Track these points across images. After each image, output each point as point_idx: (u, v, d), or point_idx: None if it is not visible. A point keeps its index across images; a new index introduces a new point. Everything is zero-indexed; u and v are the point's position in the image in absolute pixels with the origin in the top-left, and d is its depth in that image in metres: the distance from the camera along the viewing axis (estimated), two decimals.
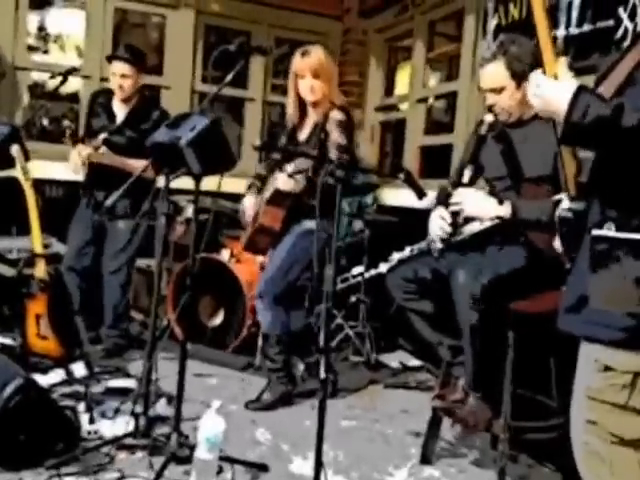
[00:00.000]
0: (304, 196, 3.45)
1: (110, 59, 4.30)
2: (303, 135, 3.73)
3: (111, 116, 4.34)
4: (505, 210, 2.79)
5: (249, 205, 3.80)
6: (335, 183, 2.49)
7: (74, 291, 4.23)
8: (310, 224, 3.40)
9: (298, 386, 3.84)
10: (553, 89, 1.60)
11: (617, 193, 1.58)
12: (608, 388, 1.59)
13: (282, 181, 3.50)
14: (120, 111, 4.34)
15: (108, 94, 4.37)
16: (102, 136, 4.12)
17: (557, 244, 2.46)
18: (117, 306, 4.31)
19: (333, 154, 3.47)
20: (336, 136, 3.50)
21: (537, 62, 2.72)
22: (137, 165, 3.95)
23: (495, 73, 2.85)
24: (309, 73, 3.55)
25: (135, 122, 4.26)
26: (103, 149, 4.11)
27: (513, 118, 2.94)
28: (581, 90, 1.53)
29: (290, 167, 3.46)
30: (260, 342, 4.34)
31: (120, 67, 4.19)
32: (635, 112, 1.45)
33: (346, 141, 3.52)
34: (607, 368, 1.58)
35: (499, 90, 2.87)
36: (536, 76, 1.66)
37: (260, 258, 4.68)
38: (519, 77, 2.80)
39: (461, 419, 2.91)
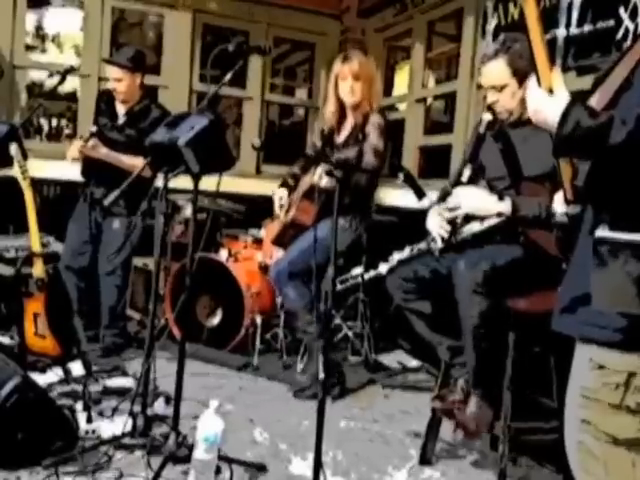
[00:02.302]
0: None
1: (105, 62, 4.40)
2: (341, 137, 3.82)
3: (113, 115, 4.38)
4: (505, 206, 2.78)
5: (279, 197, 3.92)
6: (335, 183, 2.51)
7: (72, 290, 4.24)
8: (341, 221, 3.43)
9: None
10: (545, 103, 1.61)
11: (611, 197, 1.58)
12: (602, 387, 1.58)
13: (317, 175, 3.59)
14: (121, 110, 4.37)
15: (111, 94, 4.39)
16: (91, 129, 4.15)
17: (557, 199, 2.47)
18: (114, 307, 4.30)
19: (369, 156, 3.60)
20: (374, 139, 3.62)
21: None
22: (129, 161, 4.07)
23: (497, 70, 2.84)
24: (350, 75, 3.68)
25: (134, 121, 4.28)
26: (92, 141, 4.11)
27: (514, 117, 2.93)
28: (572, 105, 1.54)
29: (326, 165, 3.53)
30: (258, 342, 4.35)
31: (113, 71, 4.23)
32: (623, 126, 1.45)
33: (382, 145, 3.64)
34: (601, 367, 1.58)
35: (500, 88, 2.86)
36: (531, 88, 1.66)
37: (259, 258, 4.70)
38: (521, 75, 2.78)
39: (462, 424, 2.90)
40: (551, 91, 1.61)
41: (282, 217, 3.87)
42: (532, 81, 1.66)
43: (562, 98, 1.58)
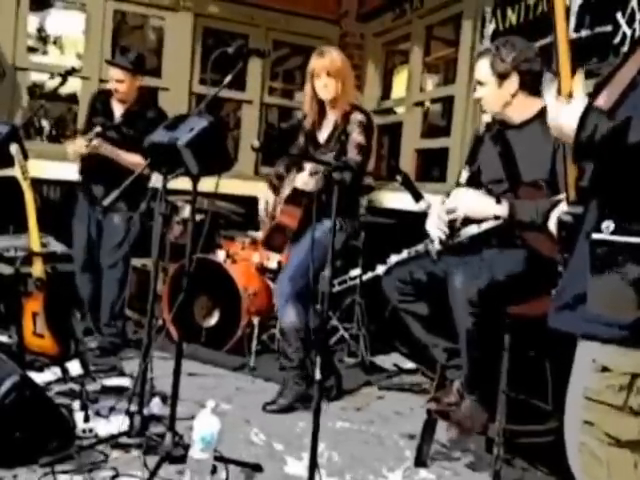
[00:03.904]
0: (323, 195, 3.47)
1: (107, 63, 4.47)
2: (323, 135, 3.79)
3: (109, 114, 4.45)
4: (502, 210, 2.79)
5: (265, 200, 3.89)
6: (334, 184, 2.54)
7: (86, 286, 4.40)
8: (330, 223, 3.44)
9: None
10: (561, 112, 1.62)
11: (616, 197, 1.59)
12: (606, 389, 1.59)
13: (301, 181, 3.56)
14: (118, 110, 4.45)
15: (107, 94, 4.49)
16: (96, 129, 4.22)
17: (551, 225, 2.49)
18: (115, 301, 4.38)
19: (352, 153, 3.57)
20: (356, 136, 3.60)
21: (521, 66, 2.82)
22: (131, 159, 4.16)
23: (481, 67, 2.96)
24: (323, 72, 3.64)
25: (131, 120, 4.37)
26: (96, 141, 4.18)
27: (499, 116, 3.00)
28: (590, 109, 1.55)
29: (309, 166, 3.51)
30: (255, 343, 4.36)
31: (115, 73, 4.33)
32: None
33: (365, 142, 3.63)
34: (605, 369, 1.59)
35: (484, 84, 2.96)
36: (549, 95, 1.68)
37: (257, 259, 4.72)
38: (500, 76, 2.89)
39: (457, 422, 2.91)
40: (571, 95, 1.63)
41: (268, 221, 3.86)
42: (552, 90, 1.68)
43: (578, 105, 1.58)
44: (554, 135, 1.69)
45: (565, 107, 1.62)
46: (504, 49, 2.88)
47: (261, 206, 3.90)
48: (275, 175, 3.96)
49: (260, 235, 4.11)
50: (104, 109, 4.47)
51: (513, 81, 2.88)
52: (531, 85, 2.89)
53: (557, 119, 1.64)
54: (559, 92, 1.66)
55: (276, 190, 3.88)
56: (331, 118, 3.76)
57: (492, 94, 2.93)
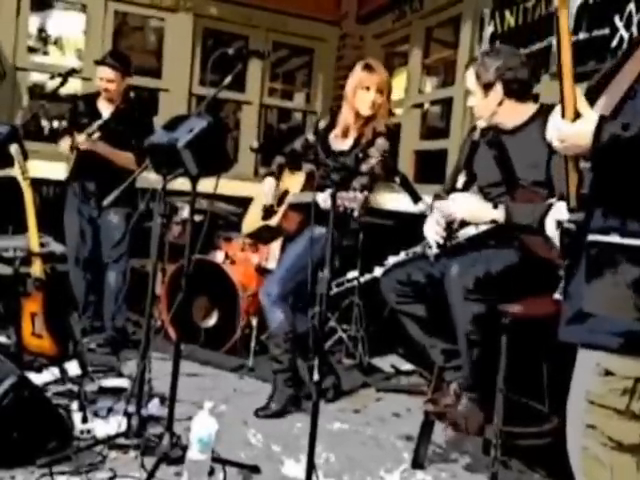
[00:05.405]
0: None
1: (97, 64, 4.55)
2: (340, 145, 3.72)
3: (96, 115, 4.49)
4: (499, 214, 2.80)
5: (269, 187, 3.86)
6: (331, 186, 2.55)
7: (80, 283, 4.44)
8: (323, 230, 3.43)
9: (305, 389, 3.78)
10: (572, 129, 1.59)
11: (621, 201, 1.59)
12: (608, 393, 1.59)
13: (322, 198, 3.34)
14: (105, 110, 4.52)
15: (91, 97, 4.62)
16: (98, 122, 4.30)
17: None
18: (117, 295, 4.42)
19: (364, 177, 3.52)
20: (374, 163, 3.55)
21: (506, 75, 2.83)
22: (123, 156, 4.31)
23: (469, 78, 2.99)
24: (374, 87, 3.60)
25: (121, 118, 4.47)
26: (97, 135, 4.27)
27: (491, 123, 3.01)
28: (602, 121, 1.54)
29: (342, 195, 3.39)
30: (253, 344, 4.36)
31: (105, 72, 4.43)
32: None
33: (381, 171, 3.58)
34: (608, 373, 1.59)
35: (473, 93, 3.00)
36: (554, 120, 1.65)
37: (255, 260, 4.72)
38: (485, 86, 2.92)
39: (454, 423, 2.92)
40: (577, 116, 1.59)
41: (261, 214, 3.84)
42: (555, 113, 1.64)
43: (589, 120, 1.56)
44: (562, 153, 1.67)
45: (573, 126, 1.59)
46: (488, 59, 2.91)
47: (266, 189, 3.86)
48: (277, 167, 3.91)
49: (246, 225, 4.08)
50: (90, 111, 4.53)
51: (497, 90, 2.90)
52: (518, 92, 2.91)
53: (567, 140, 1.61)
54: (563, 116, 1.62)
55: (276, 178, 3.87)
56: (354, 132, 3.69)
57: (480, 103, 2.97)
